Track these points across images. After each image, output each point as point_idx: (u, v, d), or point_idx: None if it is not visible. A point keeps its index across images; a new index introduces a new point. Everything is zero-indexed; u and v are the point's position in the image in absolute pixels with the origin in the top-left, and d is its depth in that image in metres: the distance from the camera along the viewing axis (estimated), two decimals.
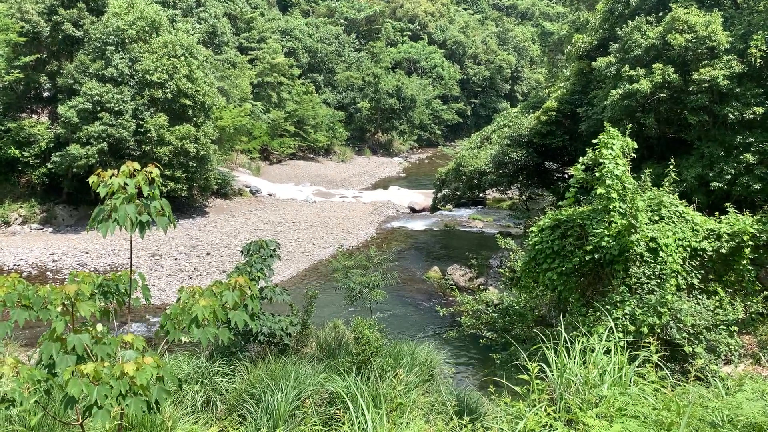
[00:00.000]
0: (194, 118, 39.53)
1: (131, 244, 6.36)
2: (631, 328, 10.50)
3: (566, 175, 34.68)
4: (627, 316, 10.68)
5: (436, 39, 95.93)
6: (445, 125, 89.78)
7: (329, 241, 38.74)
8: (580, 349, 7.22)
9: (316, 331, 16.62)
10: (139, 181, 6.58)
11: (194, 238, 36.97)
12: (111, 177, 6.28)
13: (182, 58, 38.76)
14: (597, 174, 11.07)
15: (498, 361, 12.85)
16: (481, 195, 42.77)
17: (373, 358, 14.10)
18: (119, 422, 6.33)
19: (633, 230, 10.90)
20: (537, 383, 6.47)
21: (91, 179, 6.44)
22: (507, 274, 14.71)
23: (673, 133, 25.05)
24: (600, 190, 10.83)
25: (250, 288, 6.86)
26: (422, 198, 52.25)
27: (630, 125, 24.49)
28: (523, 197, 35.74)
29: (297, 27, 74.21)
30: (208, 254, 34.39)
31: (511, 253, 17.07)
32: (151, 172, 6.64)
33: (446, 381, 14.60)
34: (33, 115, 41.50)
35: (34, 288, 6.03)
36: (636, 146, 11.75)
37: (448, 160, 75.72)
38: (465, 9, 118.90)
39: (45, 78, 39.39)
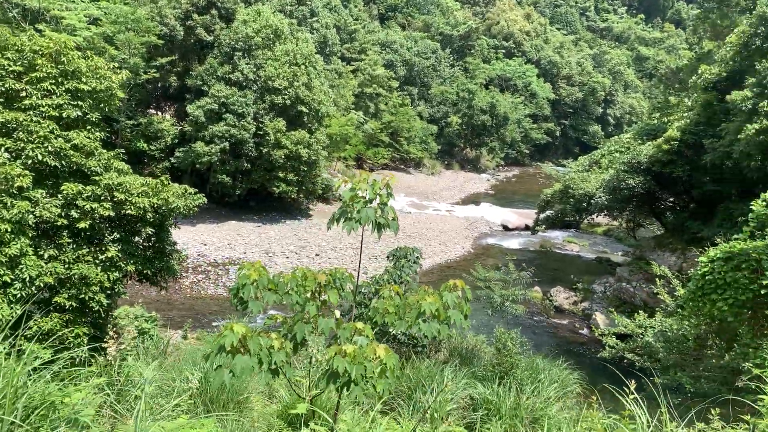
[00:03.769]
0: (308, 125, 41.25)
1: (361, 245, 7.29)
2: None
3: (676, 206, 34.29)
4: None
5: (530, 57, 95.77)
6: (533, 145, 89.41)
7: (428, 252, 39.50)
8: None
9: (446, 339, 17.41)
10: (378, 188, 7.56)
11: (302, 239, 38.53)
12: (354, 182, 7.30)
13: (302, 67, 40.59)
14: None
15: (659, 386, 13.17)
16: (578, 218, 42.60)
17: (513, 369, 14.76)
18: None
19: None
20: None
21: (336, 184, 7.47)
22: (669, 301, 14.94)
23: None
24: None
25: (464, 290, 7.67)
26: (515, 217, 52.39)
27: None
28: (631, 224, 35.45)
29: (396, 40, 75.76)
30: (317, 255, 35.82)
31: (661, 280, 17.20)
32: (387, 183, 7.60)
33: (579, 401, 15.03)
34: (159, 112, 44.28)
35: (278, 275, 7.05)
36: None
37: (541, 180, 75.53)
38: (559, 29, 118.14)
39: (174, 78, 42.00)
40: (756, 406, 7.65)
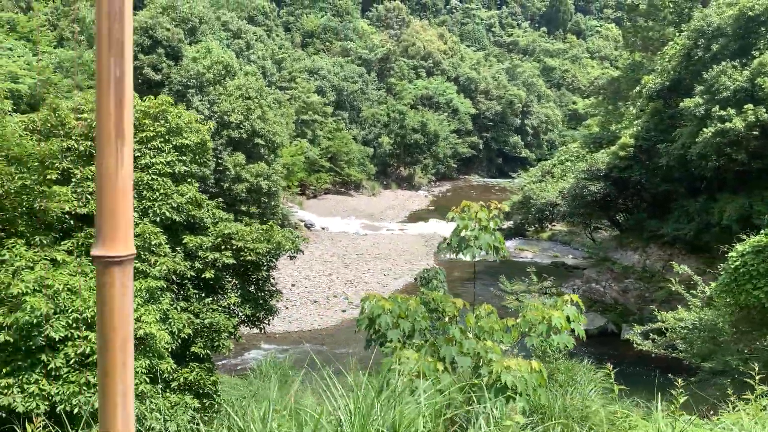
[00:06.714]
0: (265, 156, 41.33)
1: (474, 269, 8.17)
2: None
3: (629, 207, 36.72)
4: None
5: (449, 75, 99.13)
6: (459, 159, 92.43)
7: (398, 271, 40.35)
8: None
9: None
10: (489, 216, 8.47)
11: None
12: (464, 211, 8.23)
13: (255, 100, 40.72)
14: None
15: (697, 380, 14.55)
16: (537, 227, 44.69)
17: (555, 374, 15.86)
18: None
19: None
20: None
21: (449, 214, 8.34)
22: (687, 295, 16.39)
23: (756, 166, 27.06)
24: None
25: (579, 303, 8.67)
26: None
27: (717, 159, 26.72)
28: (589, 228, 37.62)
29: (323, 66, 76.71)
30: (293, 285, 35.84)
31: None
32: (498, 209, 8.55)
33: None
34: None
35: (404, 302, 7.86)
36: None
37: (473, 192, 78.09)
38: (468, 46, 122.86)
39: None
40: None
